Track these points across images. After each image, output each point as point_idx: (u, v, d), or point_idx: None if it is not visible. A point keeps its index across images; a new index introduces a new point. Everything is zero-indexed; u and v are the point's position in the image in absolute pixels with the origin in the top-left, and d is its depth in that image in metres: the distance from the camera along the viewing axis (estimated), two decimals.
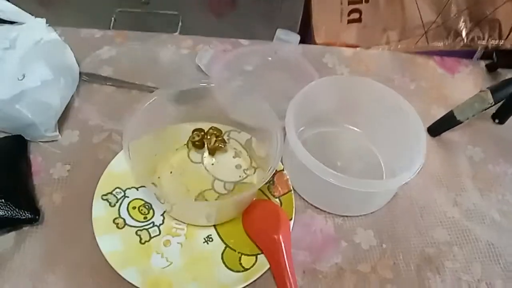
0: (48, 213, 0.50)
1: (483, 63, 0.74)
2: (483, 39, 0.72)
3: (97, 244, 0.47)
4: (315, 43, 0.74)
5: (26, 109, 0.52)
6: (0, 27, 0.57)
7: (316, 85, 0.56)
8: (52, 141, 0.56)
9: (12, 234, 0.48)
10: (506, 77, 0.70)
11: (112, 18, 0.78)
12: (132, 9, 0.79)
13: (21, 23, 0.58)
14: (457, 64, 0.73)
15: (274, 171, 0.46)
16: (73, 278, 0.46)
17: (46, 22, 0.60)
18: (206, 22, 0.81)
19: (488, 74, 0.73)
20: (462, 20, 0.71)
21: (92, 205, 0.49)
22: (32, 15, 0.59)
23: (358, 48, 0.73)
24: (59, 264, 0.46)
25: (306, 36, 0.76)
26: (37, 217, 0.48)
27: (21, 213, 0.47)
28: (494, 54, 0.73)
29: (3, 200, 0.47)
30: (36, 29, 0.59)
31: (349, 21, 0.72)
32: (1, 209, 0.46)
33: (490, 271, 0.51)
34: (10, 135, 0.54)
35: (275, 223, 0.49)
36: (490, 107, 0.59)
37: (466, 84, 0.71)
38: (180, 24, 0.79)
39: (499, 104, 0.64)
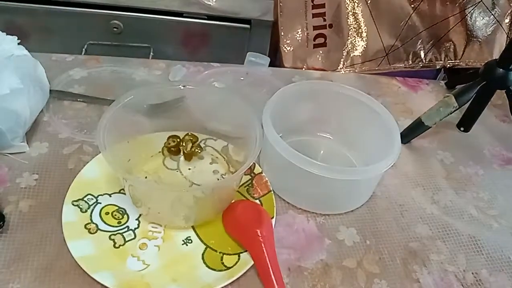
0: (14, 221, 0.46)
1: (442, 82, 0.79)
2: (441, 59, 0.78)
3: (68, 250, 0.43)
4: (283, 67, 0.77)
5: None
6: None
7: (290, 88, 0.58)
8: (20, 153, 0.53)
9: None
10: None
11: (83, 50, 0.78)
12: (103, 41, 0.80)
13: None
14: (418, 83, 0.77)
15: (253, 161, 0.46)
16: (41, 283, 0.41)
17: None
18: (178, 55, 0.83)
19: (448, 91, 0.77)
20: (419, 42, 0.77)
21: (61, 212, 0.46)
22: None
23: (325, 71, 0.76)
24: (26, 270, 0.42)
25: (275, 62, 0.79)
26: (1, 223, 0.44)
27: None
28: (443, 71, 0.78)
29: None
30: (7, 45, 0.58)
31: (315, 46, 0.76)
32: None
33: (474, 262, 0.50)
34: None
35: (256, 218, 0.47)
36: (455, 110, 0.62)
37: (429, 99, 0.74)
38: (151, 55, 0.81)
39: (464, 113, 0.68)
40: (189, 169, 0.54)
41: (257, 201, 0.51)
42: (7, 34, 0.59)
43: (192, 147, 0.54)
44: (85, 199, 0.48)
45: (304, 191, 0.51)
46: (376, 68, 0.77)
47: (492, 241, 0.53)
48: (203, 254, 0.46)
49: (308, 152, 0.61)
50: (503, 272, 0.50)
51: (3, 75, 0.53)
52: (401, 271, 0.48)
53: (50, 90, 0.61)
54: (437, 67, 0.78)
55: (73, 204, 0.47)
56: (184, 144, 0.55)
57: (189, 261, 0.45)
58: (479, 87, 0.62)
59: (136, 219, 0.48)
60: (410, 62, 0.77)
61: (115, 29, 0.78)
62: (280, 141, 0.49)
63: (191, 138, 0.55)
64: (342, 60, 0.77)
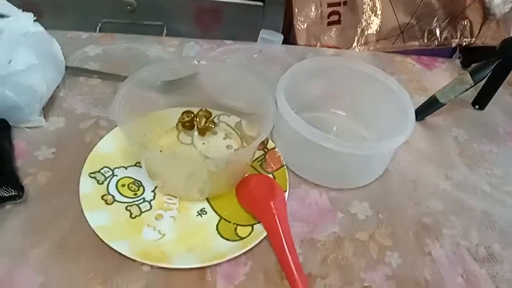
0: (32, 192, 0.47)
1: (457, 60, 0.78)
2: (456, 37, 0.77)
3: (85, 220, 0.44)
4: (297, 45, 0.77)
5: (11, 91, 0.51)
6: None
7: (303, 64, 0.58)
8: (37, 127, 0.54)
9: None
10: None
11: (97, 28, 0.79)
12: (117, 19, 0.81)
13: (8, 16, 0.59)
14: (433, 61, 0.77)
15: (266, 136, 0.46)
16: (59, 252, 0.42)
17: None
18: (191, 33, 0.83)
19: (463, 69, 0.76)
20: (435, 20, 0.75)
21: (79, 183, 0.48)
22: None
23: (338, 49, 0.76)
24: (44, 240, 0.43)
25: (288, 40, 0.78)
26: (20, 193, 0.45)
27: (3, 190, 0.45)
28: (458, 51, 0.77)
29: None
30: (23, 22, 0.59)
31: (329, 23, 0.75)
32: None
33: (487, 237, 0.50)
34: None
35: (269, 191, 0.48)
36: (470, 88, 0.61)
37: (444, 77, 0.74)
38: (165, 33, 0.81)
39: (479, 91, 0.67)
40: (203, 143, 0.55)
41: (270, 175, 0.52)
42: (23, 11, 0.60)
43: (206, 122, 0.55)
44: (101, 171, 0.49)
45: (317, 166, 0.52)
46: (391, 46, 0.77)
47: (506, 216, 0.53)
48: (217, 225, 0.46)
49: (321, 128, 0.61)
50: None
51: (19, 51, 0.54)
52: (413, 244, 0.48)
53: (65, 67, 0.62)
54: (453, 45, 0.77)
55: (90, 176, 0.48)
56: (198, 120, 0.55)
57: (203, 232, 0.46)
58: (495, 64, 0.61)
59: (152, 191, 0.49)
60: (425, 41, 0.76)
61: (128, 7, 0.79)
62: (294, 116, 0.49)
63: (205, 114, 0.56)
64: (356, 37, 0.76)
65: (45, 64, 0.56)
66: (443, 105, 0.62)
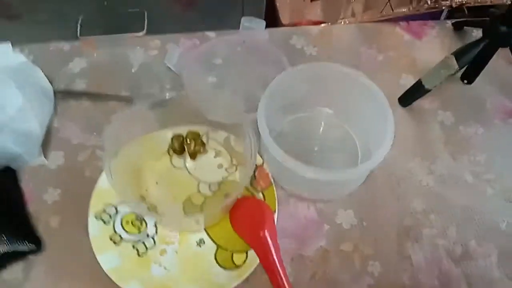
0: (48, 239, 0.53)
1: (449, 22, 0.75)
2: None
3: (98, 262, 0.50)
4: (281, 24, 0.75)
5: (9, 142, 0.54)
6: None
7: (286, 76, 0.57)
8: (40, 165, 0.58)
9: (20, 263, 0.51)
10: (472, 35, 0.72)
11: (78, 25, 0.77)
12: (95, 13, 0.78)
13: None
14: (423, 27, 0.74)
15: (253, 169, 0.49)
16: None
17: (12, 45, 0.61)
18: (171, 16, 0.81)
19: (455, 32, 0.74)
20: None
21: (87, 225, 0.52)
22: None
23: (324, 25, 0.73)
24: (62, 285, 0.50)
25: (273, 17, 0.76)
26: (39, 247, 0.51)
27: (23, 245, 0.50)
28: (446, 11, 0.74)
29: (4, 235, 0.50)
30: (3, 55, 0.59)
31: None
32: (3, 245, 0.49)
33: (464, 233, 0.55)
34: None
35: (260, 219, 0.52)
36: (456, 72, 0.61)
37: (434, 47, 0.72)
38: (146, 20, 0.79)
39: (467, 66, 0.66)
40: (195, 167, 0.58)
41: (260, 193, 0.56)
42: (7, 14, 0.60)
43: (195, 145, 0.57)
44: (106, 210, 0.54)
45: (303, 185, 0.55)
46: (379, 16, 0.74)
47: (484, 209, 0.56)
48: (215, 254, 0.52)
49: (309, 127, 0.64)
50: (491, 241, 0.54)
51: (8, 95, 0.55)
52: (395, 250, 0.53)
53: (54, 92, 0.63)
54: (443, 8, 0.73)
55: (96, 218, 0.53)
56: (188, 142, 0.58)
57: (204, 262, 0.51)
58: (481, 46, 0.59)
59: (153, 225, 0.54)
60: (414, 5, 0.73)
61: (105, 2, 0.76)
62: (274, 147, 0.51)
63: (193, 137, 0.58)
64: (342, 10, 0.73)
65: (34, 102, 0.58)
66: (429, 90, 0.62)
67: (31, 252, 0.51)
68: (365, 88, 0.56)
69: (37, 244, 0.51)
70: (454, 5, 0.73)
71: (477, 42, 0.59)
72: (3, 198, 0.54)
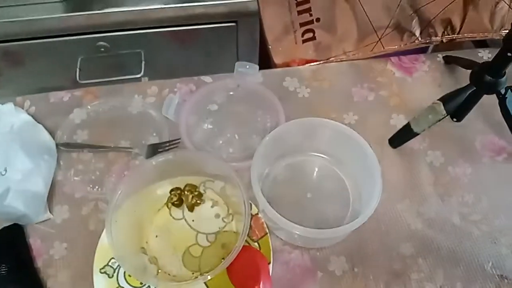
0: None
1: (440, 56, 0.76)
2: (437, 35, 0.74)
3: None
4: (274, 64, 0.76)
5: (15, 203, 0.56)
6: None
7: (281, 128, 0.60)
8: (46, 220, 0.61)
9: None
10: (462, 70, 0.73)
11: (77, 70, 0.80)
12: (95, 54, 0.81)
13: None
14: (414, 63, 0.75)
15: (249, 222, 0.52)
16: None
17: (15, 94, 0.64)
18: (167, 57, 0.83)
19: (445, 66, 0.75)
20: (414, 21, 0.72)
21: (93, 280, 0.56)
22: None
23: (316, 64, 0.75)
24: None
25: (266, 57, 0.78)
26: None
27: None
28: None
29: None
30: (6, 115, 0.62)
31: (304, 41, 0.74)
32: None
33: (451, 276, 0.57)
34: (6, 225, 0.59)
35: (255, 271, 0.54)
36: (444, 118, 0.62)
37: (425, 82, 0.74)
38: (143, 62, 0.81)
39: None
40: (193, 220, 0.61)
41: (256, 243, 0.58)
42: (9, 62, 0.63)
43: (192, 198, 0.60)
44: (109, 264, 0.57)
45: (297, 236, 0.57)
46: (370, 52, 0.75)
47: (470, 250, 0.59)
48: None
49: (303, 171, 0.66)
50: (476, 282, 0.57)
51: (13, 157, 0.58)
52: None
53: (56, 145, 0.66)
54: (434, 43, 0.75)
55: (100, 272, 0.56)
56: (185, 194, 0.61)
57: None
58: (468, 92, 0.61)
59: (155, 276, 0.57)
60: (405, 43, 0.74)
61: (102, 49, 0.78)
62: (266, 204, 0.53)
63: (190, 189, 0.61)
64: (333, 50, 0.75)
65: (39, 161, 0.61)
66: (417, 134, 0.64)
67: None
68: (357, 145, 0.58)
69: None
70: (444, 40, 0.74)
71: (464, 88, 0.61)
72: (12, 254, 0.57)
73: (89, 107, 0.70)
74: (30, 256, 0.58)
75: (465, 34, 0.73)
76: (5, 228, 0.59)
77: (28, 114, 0.66)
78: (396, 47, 0.75)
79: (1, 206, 0.56)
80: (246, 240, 0.58)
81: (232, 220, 0.60)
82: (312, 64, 0.75)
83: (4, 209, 0.56)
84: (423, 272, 0.57)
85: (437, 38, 0.74)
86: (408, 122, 0.65)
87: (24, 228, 0.60)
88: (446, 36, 0.74)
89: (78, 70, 0.80)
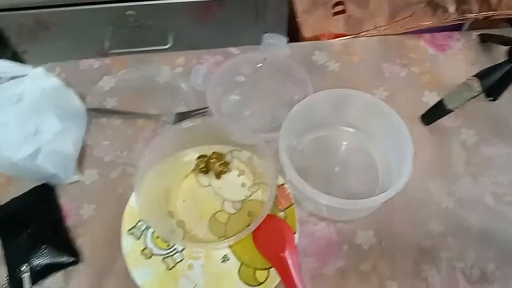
0: (86, 251, 0.57)
1: (475, 34, 0.74)
2: (472, 12, 0.72)
3: (131, 277, 0.54)
4: (303, 37, 0.75)
5: (46, 163, 0.57)
6: (4, 85, 0.61)
7: (309, 100, 0.59)
8: (76, 182, 0.62)
9: (61, 273, 0.55)
10: (499, 49, 0.71)
11: (106, 39, 0.80)
12: (123, 24, 0.81)
13: (22, 76, 0.62)
14: (448, 40, 0.73)
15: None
16: None
17: (46, 62, 0.65)
18: (193, 29, 0.83)
19: (480, 45, 0.73)
20: None
21: (121, 240, 0.56)
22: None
23: (346, 39, 0.74)
24: None
25: (295, 30, 0.77)
26: (77, 259, 0.55)
27: (63, 258, 0.55)
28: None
29: (46, 248, 0.54)
30: (37, 79, 0.63)
31: (335, 14, 0.72)
32: (46, 257, 0.54)
33: (482, 256, 0.55)
34: (36, 185, 0.60)
35: (281, 239, 0.54)
36: (479, 95, 0.61)
37: (459, 61, 0.72)
38: (170, 34, 0.81)
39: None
40: (219, 186, 0.61)
41: (282, 213, 0.58)
42: (40, 29, 0.63)
43: (219, 165, 0.60)
44: (137, 226, 0.57)
45: (323, 207, 0.57)
46: (402, 28, 0.73)
47: (504, 233, 0.57)
48: (239, 271, 0.55)
49: (331, 146, 0.65)
50: (510, 264, 0.55)
51: (44, 119, 0.59)
52: (411, 271, 0.55)
53: (87, 109, 0.66)
54: (469, 20, 0.72)
55: (128, 233, 0.57)
56: (212, 161, 0.61)
57: (228, 278, 0.54)
58: (506, 69, 0.59)
59: (181, 239, 0.57)
60: (439, 19, 0.72)
61: (131, 19, 0.78)
62: (293, 173, 0.53)
63: (217, 157, 0.61)
64: (364, 23, 0.73)
65: (69, 124, 0.61)
66: (451, 111, 0.63)
67: (71, 263, 0.55)
68: (389, 119, 0.57)
69: (76, 256, 0.56)
70: (481, 18, 0.72)
71: (501, 64, 0.59)
72: (43, 213, 0.58)
73: (118, 75, 0.71)
74: (60, 215, 0.59)
75: (503, 11, 0.71)
76: (36, 187, 0.60)
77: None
78: (430, 23, 0.72)
79: (32, 165, 0.57)
80: (272, 210, 0.58)
81: (258, 190, 0.60)
82: (342, 38, 0.74)
83: (34, 168, 0.57)
84: (453, 251, 0.56)
85: (472, 15, 0.72)
86: (442, 99, 0.63)
87: (54, 188, 0.61)
88: (482, 13, 0.71)
89: (107, 40, 0.80)
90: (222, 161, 0.60)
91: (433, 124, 0.65)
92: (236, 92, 0.69)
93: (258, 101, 0.68)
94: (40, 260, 0.54)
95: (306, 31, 0.74)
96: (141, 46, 0.79)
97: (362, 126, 0.62)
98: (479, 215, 0.58)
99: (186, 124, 0.58)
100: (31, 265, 0.53)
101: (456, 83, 0.63)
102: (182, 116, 0.65)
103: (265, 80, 0.70)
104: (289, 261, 0.52)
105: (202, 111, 0.65)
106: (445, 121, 0.65)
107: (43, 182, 0.60)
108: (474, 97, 0.60)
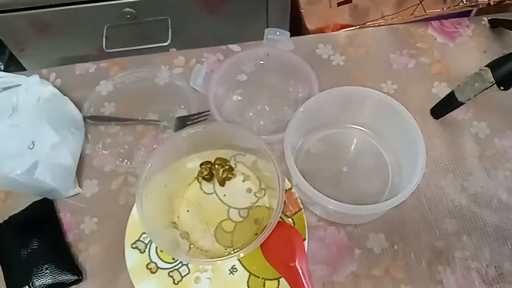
0: (89, 268, 0.55)
1: (485, 19, 0.70)
2: None
3: None
4: (307, 30, 0.72)
5: (44, 177, 0.55)
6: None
7: (315, 99, 0.57)
8: (76, 194, 0.60)
9: None
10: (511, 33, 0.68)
11: (104, 38, 0.77)
12: (121, 22, 0.78)
13: (16, 86, 0.60)
14: (457, 27, 0.70)
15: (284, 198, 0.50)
16: None
17: (40, 67, 0.62)
18: (195, 24, 0.79)
19: (491, 30, 0.70)
20: None
21: (124, 254, 0.55)
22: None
23: (352, 30, 0.70)
24: None
25: (299, 23, 0.73)
26: (80, 277, 0.54)
27: (66, 276, 0.53)
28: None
29: (48, 267, 0.53)
30: (32, 88, 0.60)
31: (339, 4, 0.69)
32: (48, 277, 0.53)
33: (498, 255, 0.54)
34: (35, 200, 0.59)
35: (290, 248, 0.52)
36: (492, 86, 0.58)
37: (469, 48, 0.68)
38: (170, 29, 0.78)
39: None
40: (224, 195, 0.59)
41: (290, 219, 0.56)
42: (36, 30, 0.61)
43: (223, 172, 0.58)
44: (141, 239, 0.56)
45: (333, 212, 0.55)
46: (410, 16, 0.70)
47: None
48: (247, 282, 0.53)
49: (341, 145, 0.63)
50: None
51: (40, 131, 0.57)
52: (426, 274, 0.53)
53: (83, 118, 0.64)
54: (480, 6, 0.69)
55: (132, 247, 0.55)
56: (216, 167, 0.58)
57: None
58: None
59: (186, 253, 0.56)
60: (449, 6, 0.69)
61: (128, 16, 0.75)
62: (300, 178, 0.51)
63: (221, 163, 0.58)
64: (370, 13, 0.70)
65: (66, 135, 0.59)
66: (462, 103, 0.60)
67: (74, 282, 0.54)
68: (401, 118, 0.54)
69: (79, 275, 0.54)
70: (492, 3, 0.68)
71: None
72: (43, 229, 0.56)
73: (115, 78, 0.68)
74: (61, 230, 0.58)
75: None
76: (35, 202, 0.58)
77: (54, 86, 0.64)
78: (439, 10, 0.69)
79: (30, 180, 0.55)
80: (280, 216, 0.56)
81: (264, 195, 0.58)
82: (347, 29, 0.70)
83: (33, 183, 0.55)
84: (468, 250, 0.54)
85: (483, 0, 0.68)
86: (452, 91, 0.60)
87: (54, 202, 0.59)
88: None
89: (104, 38, 0.77)
90: (226, 167, 0.58)
91: (444, 117, 0.63)
92: (238, 92, 0.66)
93: (261, 101, 0.66)
94: (42, 280, 0.52)
95: (310, 23, 0.71)
96: (139, 44, 0.76)
97: (372, 125, 0.60)
98: (494, 211, 0.56)
99: (188, 131, 0.56)
100: (34, 286, 0.52)
101: (467, 73, 0.60)
102: (183, 120, 0.63)
103: (268, 77, 0.67)
104: (300, 271, 0.51)
105: (203, 114, 0.63)
106: (455, 113, 0.63)
107: (42, 197, 0.59)
108: (487, 88, 0.58)
